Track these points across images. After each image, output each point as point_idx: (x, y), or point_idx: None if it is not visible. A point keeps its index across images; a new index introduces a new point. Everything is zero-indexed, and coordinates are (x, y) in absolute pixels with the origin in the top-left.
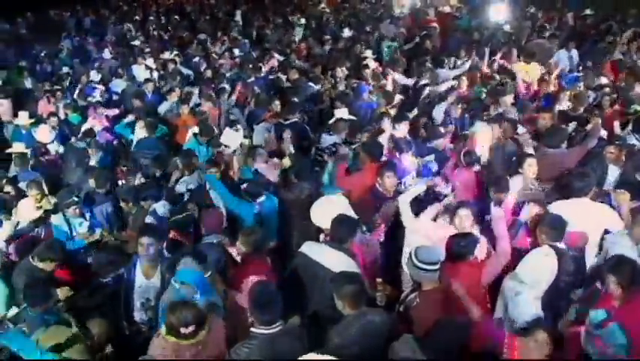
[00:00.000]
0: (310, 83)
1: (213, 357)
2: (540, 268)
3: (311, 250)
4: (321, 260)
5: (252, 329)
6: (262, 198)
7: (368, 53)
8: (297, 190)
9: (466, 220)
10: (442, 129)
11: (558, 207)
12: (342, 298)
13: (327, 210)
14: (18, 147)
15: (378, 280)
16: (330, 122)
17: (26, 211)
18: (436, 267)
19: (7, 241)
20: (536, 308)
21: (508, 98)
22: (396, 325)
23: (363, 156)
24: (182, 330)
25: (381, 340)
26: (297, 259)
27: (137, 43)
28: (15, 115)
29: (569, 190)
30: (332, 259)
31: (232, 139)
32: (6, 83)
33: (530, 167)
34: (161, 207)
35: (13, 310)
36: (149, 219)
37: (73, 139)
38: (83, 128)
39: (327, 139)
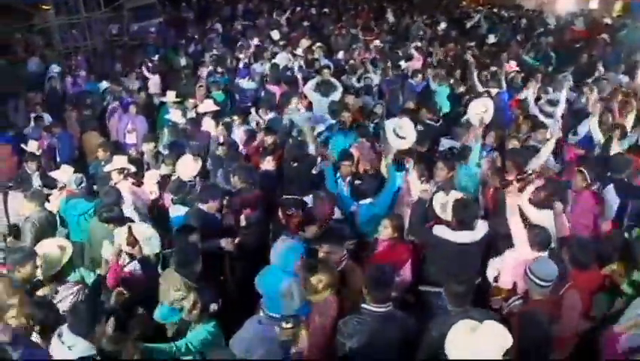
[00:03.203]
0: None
1: None
2: None
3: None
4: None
5: (364, 306)
6: (366, 202)
7: (512, 63)
8: None
9: None
10: None
11: None
12: (449, 295)
13: None
14: (176, 115)
15: (495, 284)
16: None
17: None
18: (550, 283)
19: None
20: None
21: None
22: None
23: (508, 165)
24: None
25: None
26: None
27: (275, 34)
28: (163, 92)
29: None
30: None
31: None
32: (161, 60)
33: None
34: None
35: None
36: None
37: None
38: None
39: (446, 143)
